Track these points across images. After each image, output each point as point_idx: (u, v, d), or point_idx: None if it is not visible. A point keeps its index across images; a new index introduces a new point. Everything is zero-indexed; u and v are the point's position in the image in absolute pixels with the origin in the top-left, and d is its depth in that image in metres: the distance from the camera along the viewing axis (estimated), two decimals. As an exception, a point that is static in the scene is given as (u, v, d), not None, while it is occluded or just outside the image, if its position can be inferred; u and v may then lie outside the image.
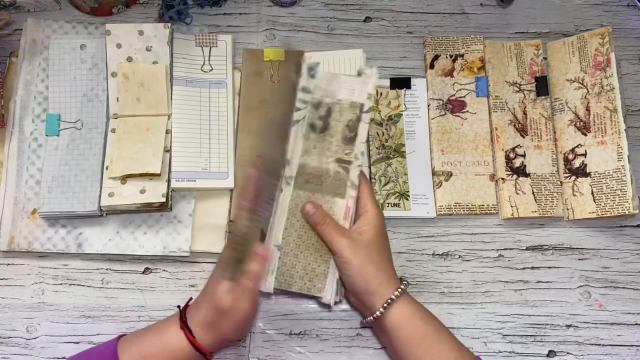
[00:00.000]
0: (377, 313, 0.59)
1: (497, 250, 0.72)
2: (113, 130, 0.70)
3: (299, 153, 0.64)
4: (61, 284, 0.70)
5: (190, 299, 0.61)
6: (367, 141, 0.73)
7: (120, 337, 0.59)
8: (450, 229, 0.73)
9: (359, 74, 0.66)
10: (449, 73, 0.77)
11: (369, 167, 0.73)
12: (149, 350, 0.57)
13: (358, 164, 0.64)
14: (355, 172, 0.64)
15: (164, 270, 0.70)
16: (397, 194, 0.72)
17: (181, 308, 0.60)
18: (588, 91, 0.74)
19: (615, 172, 0.71)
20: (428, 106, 0.76)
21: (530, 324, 0.70)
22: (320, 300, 0.64)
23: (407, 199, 0.72)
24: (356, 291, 0.61)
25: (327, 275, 0.63)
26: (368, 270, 0.60)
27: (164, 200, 0.67)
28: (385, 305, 0.59)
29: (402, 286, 0.60)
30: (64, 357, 0.67)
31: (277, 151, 0.64)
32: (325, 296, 0.63)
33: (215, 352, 0.59)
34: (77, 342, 0.67)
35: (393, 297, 0.59)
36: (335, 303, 0.64)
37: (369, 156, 0.73)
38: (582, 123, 0.74)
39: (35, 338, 0.68)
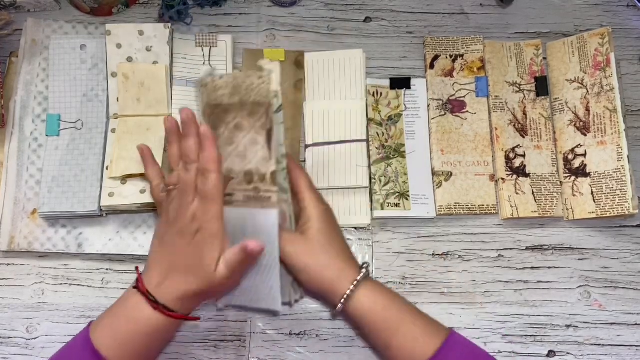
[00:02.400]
0: (337, 309, 0.59)
1: (497, 250, 0.73)
2: (113, 130, 0.70)
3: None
4: (61, 284, 0.70)
5: (139, 274, 0.58)
6: (367, 141, 0.74)
7: (90, 324, 0.58)
8: (450, 229, 0.73)
9: (260, 69, 0.59)
10: (449, 73, 0.77)
11: (369, 167, 0.73)
12: (130, 339, 0.56)
13: (282, 167, 0.59)
14: (282, 176, 0.59)
15: (164, 270, 0.70)
16: (397, 194, 0.72)
17: (139, 288, 0.56)
18: (588, 91, 0.74)
19: (615, 172, 0.71)
20: (428, 106, 0.76)
21: (530, 324, 0.70)
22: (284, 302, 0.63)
23: (407, 199, 0.72)
24: (311, 292, 0.62)
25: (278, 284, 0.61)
26: (315, 272, 0.59)
27: (164, 200, 0.67)
28: (342, 301, 0.58)
29: (359, 277, 0.59)
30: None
31: None
32: (284, 299, 0.62)
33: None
34: (77, 342, 0.67)
35: (348, 292, 0.58)
36: (296, 301, 0.65)
37: (369, 156, 0.73)
38: (581, 123, 0.74)
39: (35, 338, 0.68)
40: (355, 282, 0.58)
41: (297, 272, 0.60)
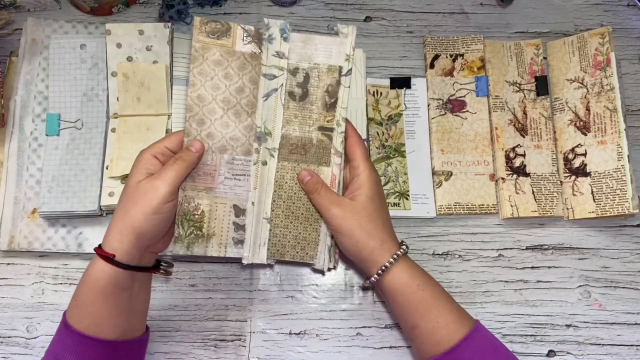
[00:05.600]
0: (372, 279, 0.60)
1: (497, 250, 0.73)
2: (113, 130, 0.70)
3: (280, 123, 0.63)
4: (61, 283, 0.70)
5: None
6: (367, 140, 0.74)
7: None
8: (450, 229, 0.73)
9: (336, 33, 0.63)
10: (449, 73, 0.77)
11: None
12: (78, 290, 0.56)
13: (340, 130, 0.63)
14: (339, 140, 0.63)
15: (164, 270, 0.70)
16: (397, 194, 0.72)
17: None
18: (588, 91, 0.74)
19: (615, 171, 0.71)
20: (428, 106, 0.76)
21: (530, 323, 0.70)
22: (313, 267, 0.65)
23: (407, 199, 0.72)
24: (348, 254, 0.62)
25: (318, 243, 0.63)
26: (358, 238, 0.59)
27: (164, 199, 0.67)
28: (379, 272, 0.59)
29: (399, 252, 0.60)
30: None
31: (233, 128, 0.62)
32: (318, 263, 0.63)
33: (138, 260, 0.56)
34: (77, 342, 0.67)
35: (387, 264, 0.59)
36: (329, 269, 0.65)
37: (369, 156, 0.73)
38: (582, 123, 0.74)
39: (35, 338, 0.68)
40: (395, 256, 0.59)
41: (339, 234, 0.60)
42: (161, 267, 0.61)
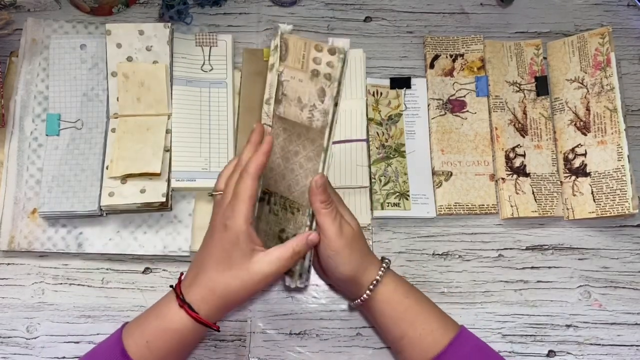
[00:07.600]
0: (365, 295, 0.60)
1: (497, 250, 0.72)
2: (113, 130, 0.70)
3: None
4: (61, 283, 0.70)
5: (182, 274, 0.60)
6: (367, 140, 0.74)
7: (124, 325, 0.59)
8: (450, 229, 0.73)
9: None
10: (449, 73, 0.77)
11: (369, 167, 0.73)
12: (153, 334, 0.56)
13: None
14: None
15: (164, 270, 0.70)
16: (397, 194, 0.72)
17: (175, 286, 0.58)
18: (588, 91, 0.74)
19: (615, 171, 0.71)
20: (428, 106, 0.76)
21: (530, 323, 0.70)
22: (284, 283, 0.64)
23: (407, 199, 0.72)
24: (341, 277, 0.60)
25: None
26: (355, 258, 0.59)
27: (164, 199, 0.67)
28: (371, 287, 0.59)
29: (385, 265, 0.61)
30: (64, 357, 0.67)
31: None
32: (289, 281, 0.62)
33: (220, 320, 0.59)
34: (77, 342, 0.67)
35: (378, 277, 0.59)
36: (297, 288, 0.64)
37: (369, 156, 0.73)
38: (582, 123, 0.74)
39: (35, 338, 0.68)
40: (382, 269, 0.60)
41: (338, 254, 0.59)
42: None
